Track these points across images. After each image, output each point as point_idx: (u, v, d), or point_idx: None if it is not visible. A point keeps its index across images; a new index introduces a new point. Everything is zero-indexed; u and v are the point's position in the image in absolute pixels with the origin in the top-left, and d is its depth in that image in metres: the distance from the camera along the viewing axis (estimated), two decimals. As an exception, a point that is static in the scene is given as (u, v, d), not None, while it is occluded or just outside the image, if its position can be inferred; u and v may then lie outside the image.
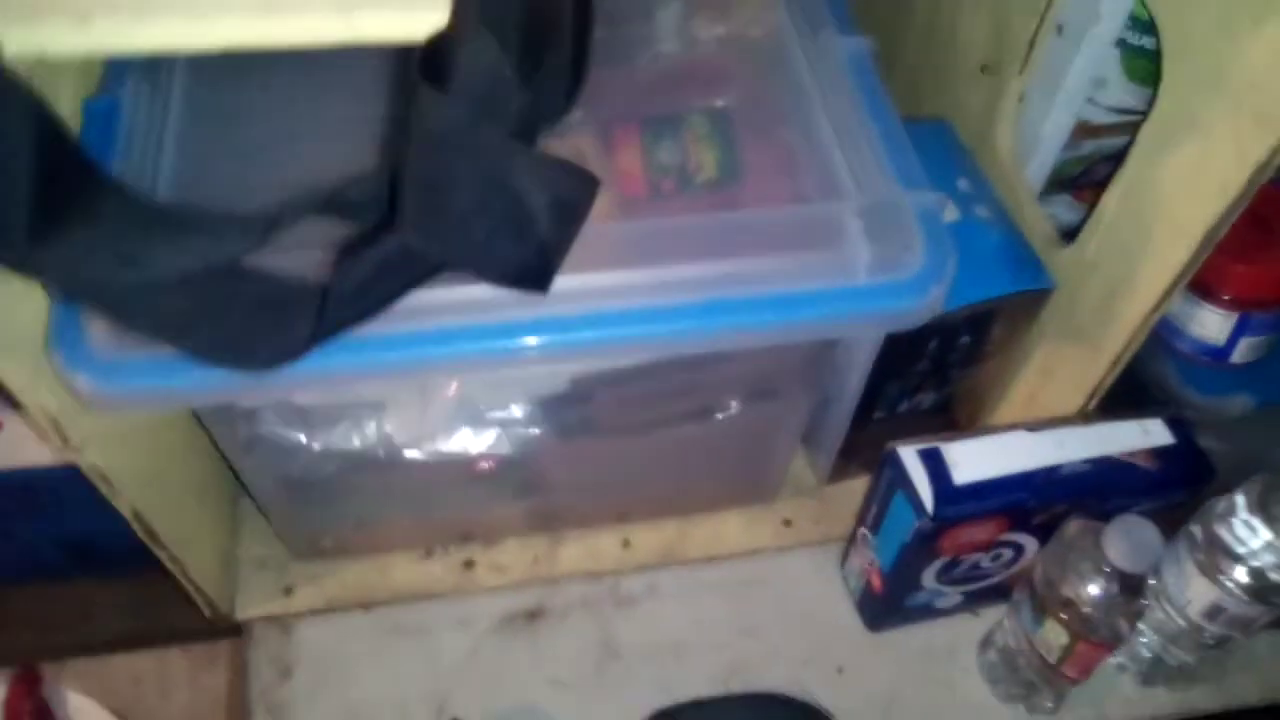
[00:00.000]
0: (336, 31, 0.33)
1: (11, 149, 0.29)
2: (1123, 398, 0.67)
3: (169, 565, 0.61)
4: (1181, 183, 0.53)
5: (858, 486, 0.71)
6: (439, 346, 0.46)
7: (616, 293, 0.48)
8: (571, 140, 0.55)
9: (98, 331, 0.45)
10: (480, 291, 0.43)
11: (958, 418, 0.74)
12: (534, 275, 0.39)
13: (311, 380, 0.47)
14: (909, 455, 0.61)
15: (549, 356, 0.47)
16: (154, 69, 0.52)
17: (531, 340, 0.47)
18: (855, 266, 0.49)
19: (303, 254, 0.36)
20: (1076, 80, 0.66)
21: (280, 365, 0.38)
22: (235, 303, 0.35)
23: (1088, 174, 0.72)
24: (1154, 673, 0.68)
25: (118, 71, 0.52)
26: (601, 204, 0.55)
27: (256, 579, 0.71)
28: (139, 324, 0.38)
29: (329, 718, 0.67)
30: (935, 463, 0.60)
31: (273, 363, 0.38)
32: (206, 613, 0.67)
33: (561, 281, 0.46)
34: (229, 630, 0.70)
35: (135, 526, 0.57)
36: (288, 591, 0.70)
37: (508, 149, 0.34)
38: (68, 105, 0.50)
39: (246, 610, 0.70)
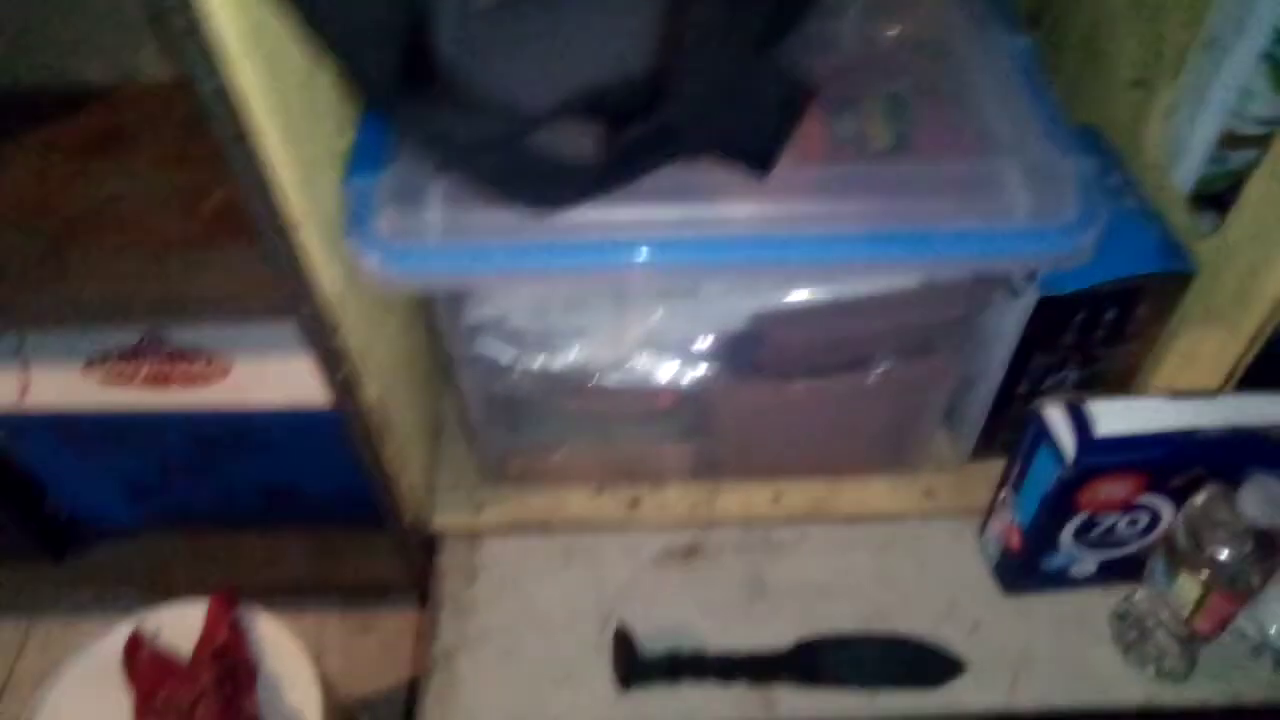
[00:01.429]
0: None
1: (389, 26, 0.40)
2: (1265, 383, 0.71)
3: (388, 466, 0.71)
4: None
5: (997, 466, 0.77)
6: (643, 253, 0.56)
7: (801, 220, 0.57)
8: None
9: (385, 221, 0.56)
10: (681, 211, 0.53)
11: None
12: (761, 158, 0.49)
13: (542, 272, 0.57)
14: (1054, 410, 0.66)
15: (734, 269, 0.56)
16: None
17: (717, 256, 0.56)
18: (1015, 209, 0.56)
19: (576, 134, 0.46)
20: (1223, 92, 0.72)
21: (557, 211, 0.48)
22: (526, 167, 0.46)
23: (1234, 190, 0.78)
24: (1287, 658, 0.71)
25: None
26: (786, 162, 0.64)
27: (451, 497, 0.81)
28: (459, 171, 0.49)
29: (508, 617, 0.75)
30: (1079, 416, 0.65)
31: (551, 209, 0.48)
32: (408, 518, 0.77)
33: (750, 208, 0.56)
34: (422, 545, 0.79)
35: (371, 421, 0.67)
36: (477, 510, 0.80)
37: (753, 48, 0.44)
38: None
39: (442, 522, 0.79)
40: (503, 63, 0.46)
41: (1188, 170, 0.76)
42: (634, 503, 0.81)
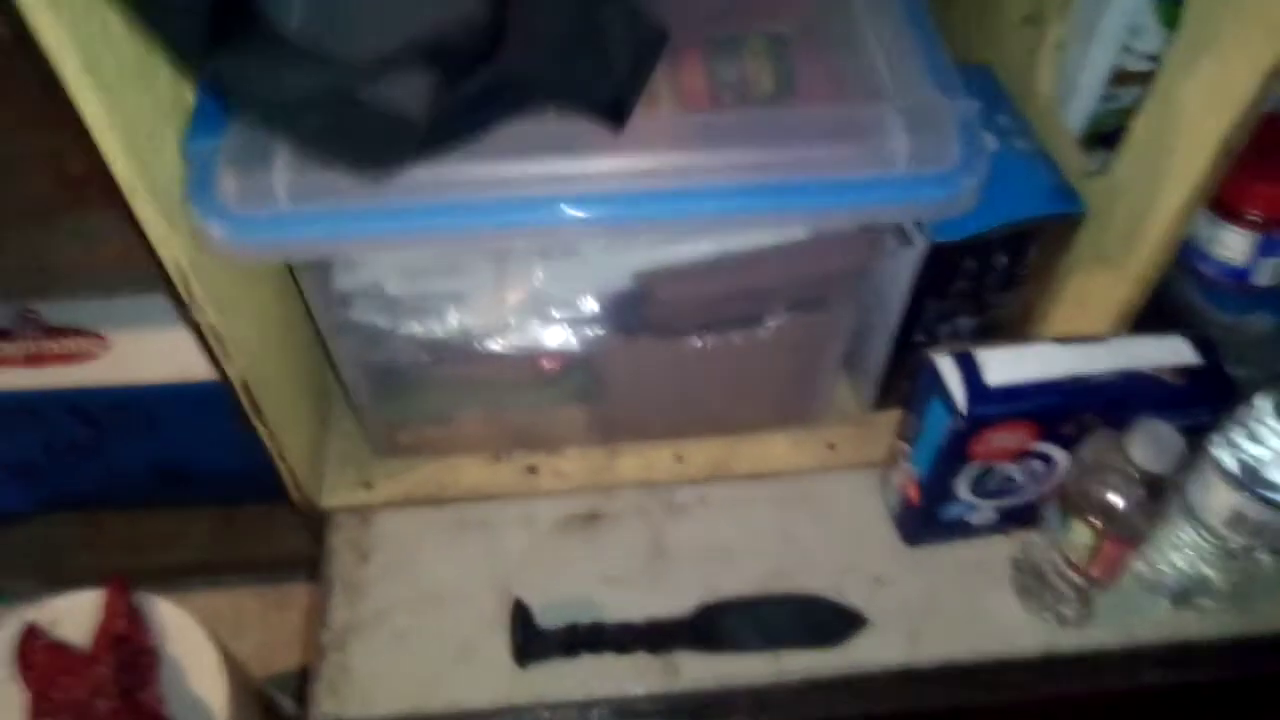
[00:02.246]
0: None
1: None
2: (1154, 326, 0.70)
3: (268, 443, 0.68)
4: (1199, 99, 0.58)
5: (899, 417, 0.76)
6: (506, 215, 0.52)
7: (674, 173, 0.54)
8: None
9: (228, 187, 0.52)
10: (550, 166, 0.50)
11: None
12: (613, 110, 0.46)
13: (401, 236, 0.54)
14: (944, 360, 0.65)
15: (607, 227, 0.53)
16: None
17: (588, 212, 0.53)
18: (895, 157, 0.54)
19: (412, 84, 0.42)
20: (1112, 27, 0.71)
21: (389, 172, 0.45)
22: (354, 123, 0.42)
23: (1126, 129, 0.77)
24: (1184, 595, 0.71)
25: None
26: (665, 111, 0.62)
27: (341, 473, 0.77)
28: (282, 132, 0.45)
29: (401, 596, 0.72)
30: (969, 366, 0.64)
31: (383, 170, 0.45)
32: (295, 496, 0.74)
33: (622, 161, 0.53)
34: (313, 519, 0.76)
35: (242, 398, 0.64)
36: (368, 485, 0.77)
37: None
38: None
39: (331, 500, 0.76)
40: (326, 6, 0.42)
41: (1079, 109, 0.75)
42: (531, 469, 0.78)
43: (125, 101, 0.48)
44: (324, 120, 0.43)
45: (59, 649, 0.93)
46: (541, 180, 0.53)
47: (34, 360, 0.94)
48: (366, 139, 0.43)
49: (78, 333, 0.93)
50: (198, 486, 1.08)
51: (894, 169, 0.54)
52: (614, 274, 0.64)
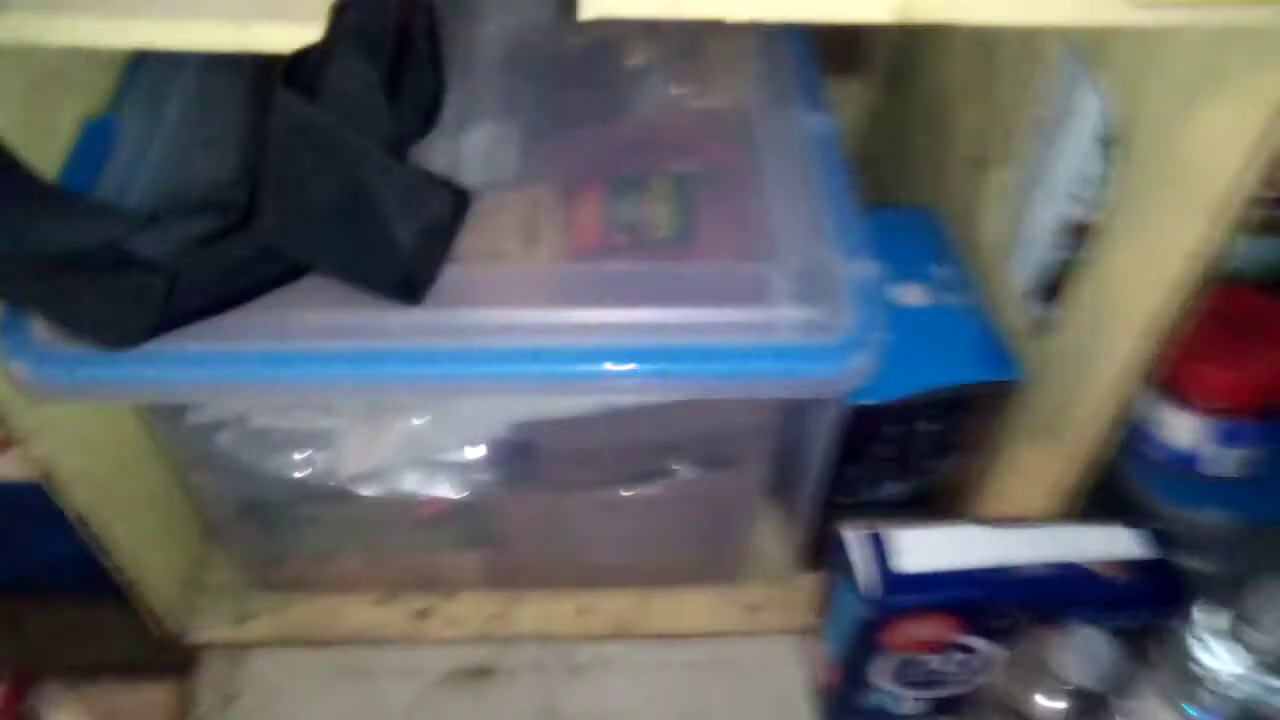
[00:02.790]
0: (231, 39, 0.36)
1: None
2: (1103, 506, 0.63)
3: (116, 577, 0.63)
4: (1133, 274, 0.51)
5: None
6: (338, 366, 0.47)
7: (536, 330, 0.49)
8: (529, 192, 0.57)
9: (39, 323, 0.48)
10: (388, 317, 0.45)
11: (936, 513, 0.71)
12: (402, 286, 0.41)
13: (227, 385, 0.49)
14: (853, 539, 0.59)
15: (460, 385, 0.48)
16: (154, 96, 0.56)
17: (471, 371, 0.48)
18: (777, 325, 0.49)
19: (171, 246, 0.38)
20: (1061, 175, 0.65)
21: (128, 345, 0.40)
22: (99, 282, 0.37)
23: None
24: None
25: (120, 97, 0.56)
26: (552, 250, 0.57)
27: (214, 604, 0.72)
28: (8, 290, 0.40)
29: (260, 751, 0.66)
30: (878, 548, 0.58)
31: (121, 342, 0.40)
32: (155, 633, 0.68)
33: (475, 315, 0.48)
34: (177, 655, 0.71)
35: (82, 532, 0.59)
36: (242, 620, 0.71)
37: (366, 153, 0.36)
38: (69, 121, 0.54)
39: (200, 634, 0.71)
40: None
41: (1025, 260, 0.69)
42: (422, 614, 0.72)
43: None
44: (66, 277, 0.38)
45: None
46: (374, 332, 0.48)
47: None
48: (111, 298, 0.38)
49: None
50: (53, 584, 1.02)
51: (774, 337, 0.49)
52: (492, 424, 0.59)
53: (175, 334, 0.46)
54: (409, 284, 0.41)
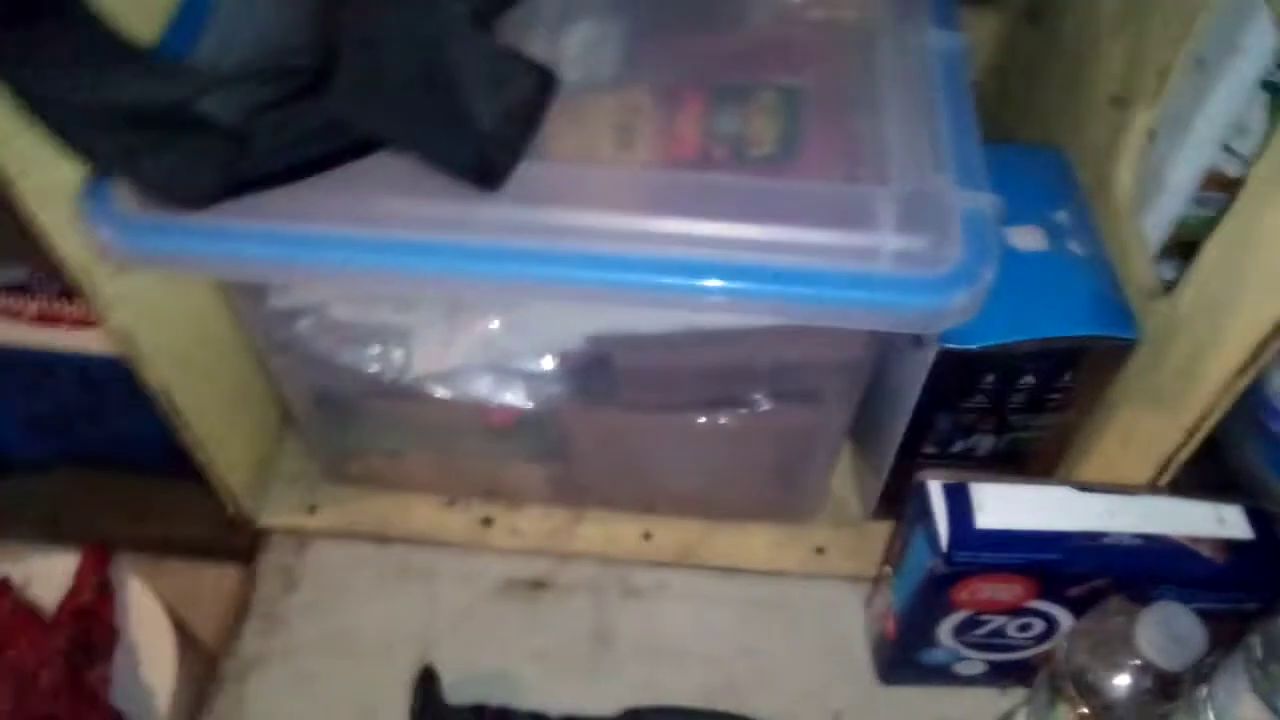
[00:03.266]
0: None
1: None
2: (1214, 483, 0.59)
3: (193, 454, 0.64)
4: (1278, 236, 0.46)
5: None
6: (426, 258, 0.46)
7: (623, 237, 0.46)
8: (628, 93, 0.54)
9: (125, 190, 0.47)
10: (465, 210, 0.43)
11: (1027, 473, 0.67)
12: (479, 169, 0.38)
13: (315, 267, 0.48)
14: (934, 488, 0.56)
15: (569, 289, 0.46)
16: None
17: (548, 273, 0.46)
18: (878, 252, 0.45)
19: (241, 109, 0.36)
20: (1211, 122, 0.59)
21: (195, 205, 0.39)
22: (166, 140, 0.36)
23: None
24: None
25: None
26: (647, 158, 0.54)
27: (286, 492, 0.73)
28: (80, 142, 0.39)
29: (318, 636, 0.67)
30: (960, 499, 0.54)
31: (187, 201, 0.38)
32: (228, 512, 0.69)
33: (562, 215, 0.46)
34: (245, 538, 0.72)
35: (161, 407, 0.60)
36: (311, 509, 0.72)
37: (451, 19, 0.34)
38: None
39: (270, 519, 0.72)
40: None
41: (1162, 212, 0.64)
42: (486, 521, 0.72)
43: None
44: (138, 133, 0.37)
45: (22, 611, 0.92)
46: (488, 227, 0.46)
47: (45, 320, 0.93)
48: (182, 158, 0.37)
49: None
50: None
51: (874, 265, 0.45)
52: (569, 334, 0.57)
53: (254, 208, 0.45)
54: (487, 168, 0.38)
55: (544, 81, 0.37)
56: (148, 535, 1.14)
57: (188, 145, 0.36)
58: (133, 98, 0.35)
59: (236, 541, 0.73)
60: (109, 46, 0.35)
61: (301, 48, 0.35)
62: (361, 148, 0.38)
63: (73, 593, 0.93)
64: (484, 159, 0.38)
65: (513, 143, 0.38)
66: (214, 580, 0.94)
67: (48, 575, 0.94)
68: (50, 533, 1.10)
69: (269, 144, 0.36)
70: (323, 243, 0.47)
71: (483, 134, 0.36)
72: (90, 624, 0.92)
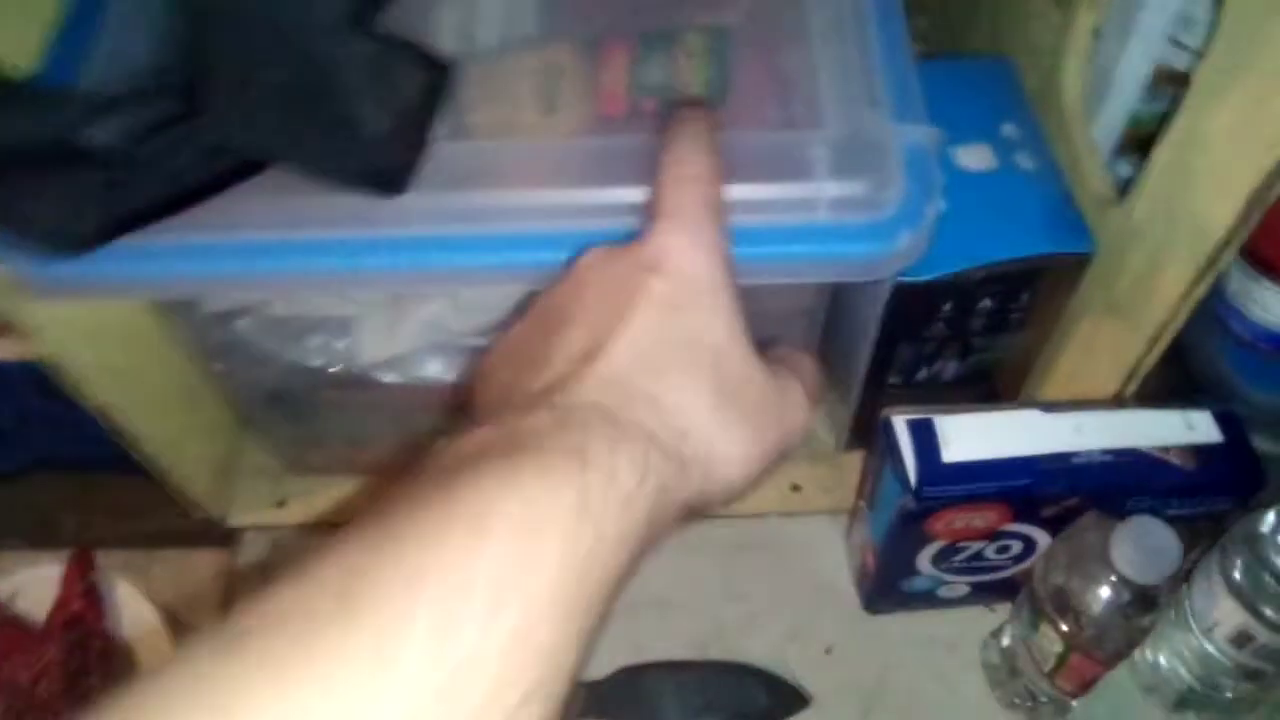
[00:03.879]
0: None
1: None
2: (1180, 390, 0.58)
3: (149, 466, 0.62)
4: (1231, 134, 0.45)
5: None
6: (341, 257, 0.44)
7: (550, 214, 0.44)
8: (549, 51, 0.52)
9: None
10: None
11: (1001, 393, 0.67)
12: (375, 177, 0.36)
13: (231, 278, 0.46)
14: (900, 425, 0.55)
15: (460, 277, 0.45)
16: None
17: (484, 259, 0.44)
18: (816, 202, 0.44)
19: (119, 137, 0.34)
20: (1157, 16, 0.57)
21: (76, 250, 0.37)
22: (46, 179, 0.34)
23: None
24: (1183, 704, 0.61)
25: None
26: (572, 121, 0.52)
27: (252, 486, 0.71)
28: None
29: (301, 630, 0.67)
30: (925, 435, 0.54)
31: (69, 246, 0.36)
32: (195, 516, 0.68)
33: (484, 198, 0.44)
34: (220, 534, 0.71)
35: (105, 425, 0.58)
36: (281, 503, 0.71)
37: (321, 25, 0.31)
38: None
39: (239, 518, 0.71)
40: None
41: (1113, 116, 0.62)
42: (458, 495, 0.71)
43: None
44: (14, 181, 0.34)
45: (11, 624, 0.92)
46: (368, 219, 0.43)
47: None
48: (61, 197, 0.34)
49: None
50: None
51: (813, 216, 0.44)
52: (509, 306, 0.55)
53: (175, 223, 0.42)
54: (382, 173, 0.36)
55: (437, 73, 0.35)
56: (135, 531, 1.13)
57: (64, 187, 0.34)
58: (3, 138, 0.32)
59: (214, 536, 0.72)
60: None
61: (178, 65, 0.33)
62: (251, 167, 0.36)
63: (61, 602, 0.92)
64: (376, 165, 0.36)
65: (409, 141, 0.36)
66: (209, 566, 0.94)
67: (34, 587, 0.93)
68: (36, 540, 1.09)
69: (152, 173, 0.34)
70: (233, 252, 0.44)
71: (372, 138, 0.34)
72: (83, 631, 0.92)
